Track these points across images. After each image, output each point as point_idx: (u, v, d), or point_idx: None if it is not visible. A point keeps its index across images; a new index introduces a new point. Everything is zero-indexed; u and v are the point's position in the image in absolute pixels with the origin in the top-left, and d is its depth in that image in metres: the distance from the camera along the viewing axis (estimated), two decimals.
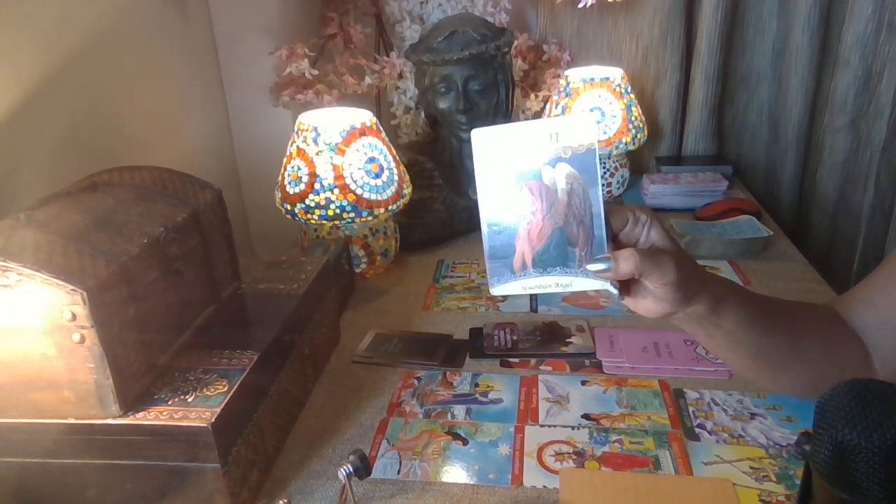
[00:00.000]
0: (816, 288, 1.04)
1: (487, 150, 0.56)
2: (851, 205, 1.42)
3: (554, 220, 0.56)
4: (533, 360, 0.88)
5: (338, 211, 0.99)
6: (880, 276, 0.70)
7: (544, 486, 0.67)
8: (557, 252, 0.57)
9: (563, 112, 1.31)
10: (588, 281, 0.57)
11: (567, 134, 0.55)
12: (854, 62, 1.33)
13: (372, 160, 1.01)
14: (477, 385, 0.83)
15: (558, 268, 0.57)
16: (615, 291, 0.58)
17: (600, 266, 0.56)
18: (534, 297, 1.03)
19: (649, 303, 0.59)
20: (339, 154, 0.99)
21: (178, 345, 0.68)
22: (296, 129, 1.03)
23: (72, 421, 0.59)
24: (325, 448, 0.74)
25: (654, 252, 0.57)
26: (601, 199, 0.55)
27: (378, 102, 1.44)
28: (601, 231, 0.56)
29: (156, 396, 0.62)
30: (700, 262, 1.18)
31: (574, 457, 0.71)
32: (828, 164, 1.43)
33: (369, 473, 0.61)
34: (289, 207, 1.03)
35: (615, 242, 0.58)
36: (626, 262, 0.55)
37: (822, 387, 0.63)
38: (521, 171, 0.56)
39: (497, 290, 0.57)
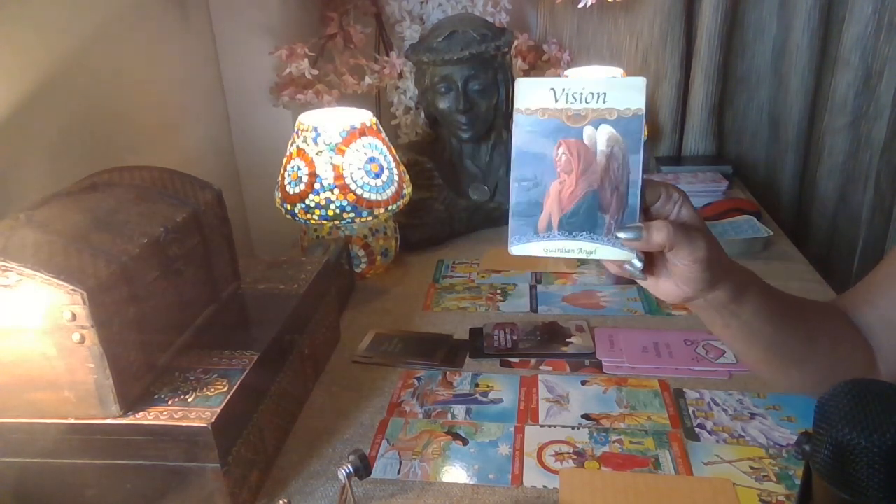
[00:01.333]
0: (816, 288, 1.04)
1: (529, 100, 0.53)
2: (851, 205, 1.42)
3: (588, 183, 0.54)
4: (533, 360, 0.88)
5: (338, 211, 0.99)
6: (878, 276, 0.71)
7: (544, 486, 0.67)
8: (587, 216, 0.54)
9: None
10: (614, 250, 0.55)
11: (615, 95, 0.53)
12: (854, 62, 1.33)
13: (372, 160, 1.01)
14: (477, 385, 0.83)
15: (585, 233, 0.54)
16: (639, 265, 0.56)
17: (631, 234, 0.54)
18: (534, 297, 1.03)
19: (671, 285, 0.58)
20: (339, 154, 0.99)
21: (178, 345, 0.68)
22: (296, 129, 1.03)
23: (72, 421, 0.59)
24: (325, 448, 0.74)
25: (686, 226, 0.55)
26: (640, 167, 0.53)
27: (378, 102, 1.44)
28: (636, 200, 0.54)
29: (156, 396, 0.62)
30: None
31: (574, 457, 0.71)
32: (828, 164, 1.43)
33: (369, 473, 0.61)
34: (289, 207, 1.03)
35: (646, 215, 0.56)
36: (659, 232, 0.54)
37: (828, 384, 0.64)
38: (562, 126, 0.53)
39: (517, 250, 0.54)
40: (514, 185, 0.53)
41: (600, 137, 0.53)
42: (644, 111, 0.53)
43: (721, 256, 0.58)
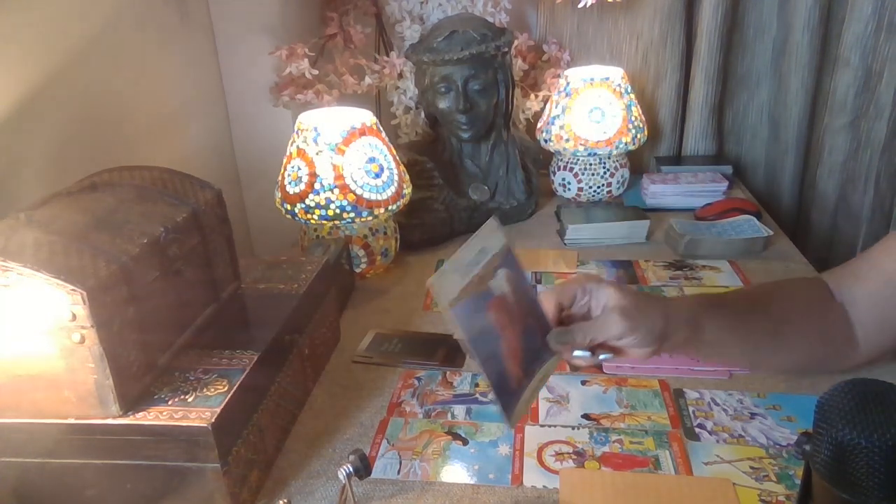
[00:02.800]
0: None
1: (449, 292, 0.55)
2: (851, 205, 1.42)
3: (519, 325, 0.59)
4: None
5: (338, 211, 0.99)
6: (875, 252, 0.74)
7: (544, 486, 0.67)
8: (530, 350, 0.60)
9: (563, 112, 1.31)
10: (560, 358, 0.62)
11: (488, 244, 0.58)
12: (854, 62, 1.33)
13: (372, 160, 1.01)
14: (477, 385, 0.83)
15: (535, 364, 0.60)
16: (587, 353, 0.62)
17: (558, 340, 0.62)
18: None
19: (632, 352, 0.64)
20: (339, 154, 0.99)
21: (178, 345, 0.68)
22: (296, 129, 1.03)
23: (72, 421, 0.59)
24: (325, 448, 0.74)
25: (594, 319, 0.62)
26: (530, 282, 0.61)
27: (378, 102, 1.44)
28: (543, 314, 0.61)
29: (156, 396, 0.62)
30: (700, 262, 1.18)
31: (574, 457, 0.71)
32: (828, 164, 1.43)
33: (369, 473, 0.61)
34: (289, 207, 1.03)
35: (570, 318, 0.64)
36: (577, 333, 0.61)
37: (810, 360, 0.73)
38: (483, 293, 0.57)
39: (515, 421, 0.59)
40: (483, 368, 0.56)
41: (501, 282, 0.59)
42: (507, 241, 0.60)
43: (651, 312, 0.63)
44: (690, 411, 0.77)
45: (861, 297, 0.72)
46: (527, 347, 0.60)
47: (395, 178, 1.05)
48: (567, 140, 1.31)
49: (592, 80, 1.29)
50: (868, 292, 0.72)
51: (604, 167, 1.34)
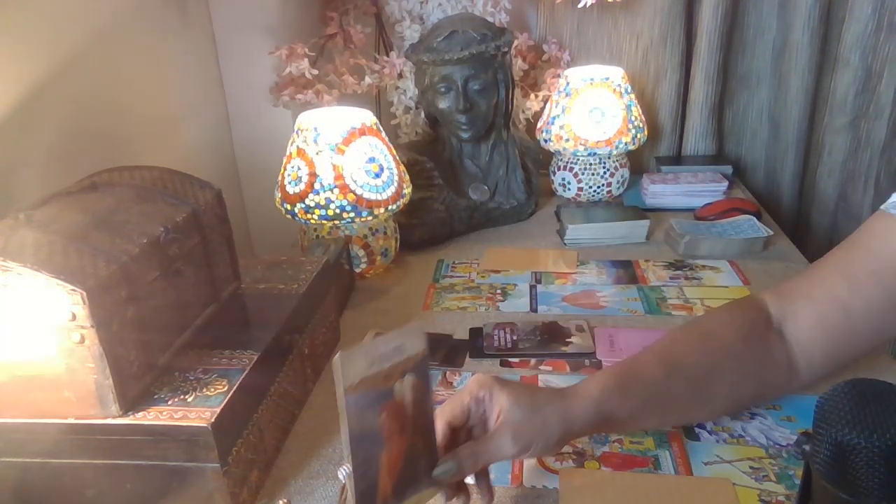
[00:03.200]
0: None
1: (351, 375, 0.51)
2: (851, 205, 1.42)
3: (406, 438, 0.55)
4: (533, 360, 0.88)
5: (338, 211, 0.99)
6: (824, 269, 0.70)
7: (544, 486, 0.67)
8: (409, 471, 0.56)
9: (563, 112, 1.31)
10: (439, 487, 0.58)
11: (407, 344, 0.55)
12: (854, 62, 1.33)
13: (372, 160, 1.01)
14: None
15: (410, 489, 0.57)
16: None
17: (445, 473, 0.57)
18: (534, 297, 1.03)
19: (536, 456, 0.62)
20: (339, 154, 0.99)
21: (178, 345, 0.68)
22: (296, 129, 1.03)
23: (72, 421, 0.59)
24: (325, 448, 0.74)
25: (485, 439, 0.58)
26: (433, 408, 0.57)
27: (378, 102, 1.44)
28: (435, 437, 0.58)
29: (156, 396, 0.62)
30: (700, 262, 1.18)
31: (574, 457, 0.71)
32: (828, 164, 1.43)
33: None
34: (289, 207, 1.03)
35: (469, 434, 0.61)
36: (466, 461, 0.57)
37: (744, 400, 0.71)
38: (382, 392, 0.53)
39: None
40: (354, 472, 0.52)
41: (406, 389, 0.55)
42: (427, 351, 0.56)
43: (548, 416, 0.60)
44: None
45: (807, 318, 0.68)
46: (407, 467, 0.56)
47: (395, 178, 1.05)
48: (567, 140, 1.31)
49: (592, 80, 1.29)
50: (817, 313, 0.68)
51: (604, 167, 1.34)
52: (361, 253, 1.07)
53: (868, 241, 0.68)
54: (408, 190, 1.08)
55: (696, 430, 0.74)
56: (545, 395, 0.62)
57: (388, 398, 0.53)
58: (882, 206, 0.68)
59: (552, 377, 0.84)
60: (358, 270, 1.08)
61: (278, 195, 1.05)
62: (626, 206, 1.32)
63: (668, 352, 0.68)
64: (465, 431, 0.62)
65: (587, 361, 0.87)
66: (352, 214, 1.00)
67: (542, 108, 1.41)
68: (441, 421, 0.60)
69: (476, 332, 0.94)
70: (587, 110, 1.29)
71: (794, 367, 0.69)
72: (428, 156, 1.25)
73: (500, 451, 0.58)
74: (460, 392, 0.61)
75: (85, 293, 0.54)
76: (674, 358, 0.68)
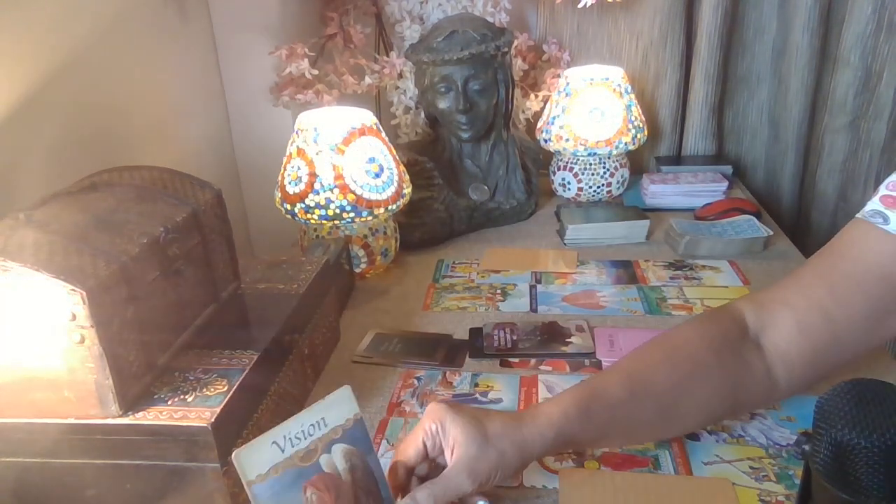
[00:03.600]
0: None
1: (257, 467, 0.51)
2: (851, 205, 1.42)
3: None
4: (533, 360, 0.88)
5: (338, 211, 0.99)
6: (803, 277, 0.69)
7: (544, 486, 0.67)
8: None
9: (563, 112, 1.31)
10: None
11: (332, 414, 0.55)
12: (854, 62, 1.33)
13: (372, 160, 1.02)
14: (477, 385, 0.83)
15: None
16: None
17: None
18: (534, 297, 1.03)
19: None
20: (339, 154, 0.99)
21: (178, 345, 0.68)
22: (296, 129, 1.03)
23: (72, 421, 0.59)
24: None
25: (442, 479, 0.58)
26: (378, 461, 0.57)
27: (378, 102, 1.44)
28: (387, 490, 0.57)
29: (156, 396, 0.62)
30: (700, 262, 1.18)
31: (574, 456, 0.71)
32: (828, 164, 1.43)
33: None
34: (289, 207, 1.03)
35: (434, 467, 0.61)
36: (425, 501, 0.56)
37: (718, 415, 0.69)
38: (301, 471, 0.53)
39: None
40: None
41: (337, 458, 0.55)
42: (360, 413, 0.56)
43: (508, 454, 0.59)
44: None
45: (787, 327, 0.66)
46: None
47: (395, 178, 1.05)
48: (567, 140, 1.31)
49: (592, 80, 1.29)
50: (797, 322, 0.66)
51: (604, 167, 1.34)
52: (361, 253, 1.07)
53: (847, 249, 0.66)
54: (408, 190, 1.08)
55: None
56: (499, 425, 0.60)
57: (311, 474, 0.53)
58: (858, 214, 0.67)
59: (552, 377, 0.84)
60: (358, 270, 1.08)
61: (278, 195, 1.05)
62: (626, 206, 1.32)
63: (633, 369, 0.66)
64: (430, 463, 0.62)
65: (587, 361, 0.87)
66: (352, 214, 1.00)
67: (542, 108, 1.41)
68: (400, 466, 0.60)
69: (476, 332, 0.94)
70: (587, 110, 1.29)
71: (774, 379, 0.67)
72: (428, 156, 1.25)
73: (457, 488, 0.58)
74: (414, 430, 0.61)
75: (85, 293, 0.54)
76: (639, 375, 0.66)
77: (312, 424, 0.54)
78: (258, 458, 0.51)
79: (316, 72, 1.19)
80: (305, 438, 0.53)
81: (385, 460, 0.71)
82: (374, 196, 1.01)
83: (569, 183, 1.36)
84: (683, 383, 0.65)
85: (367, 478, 0.56)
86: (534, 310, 1.00)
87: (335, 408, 0.55)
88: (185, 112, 1.16)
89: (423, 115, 1.32)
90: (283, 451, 0.52)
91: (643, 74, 1.49)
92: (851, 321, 0.65)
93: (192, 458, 0.59)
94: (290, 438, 0.53)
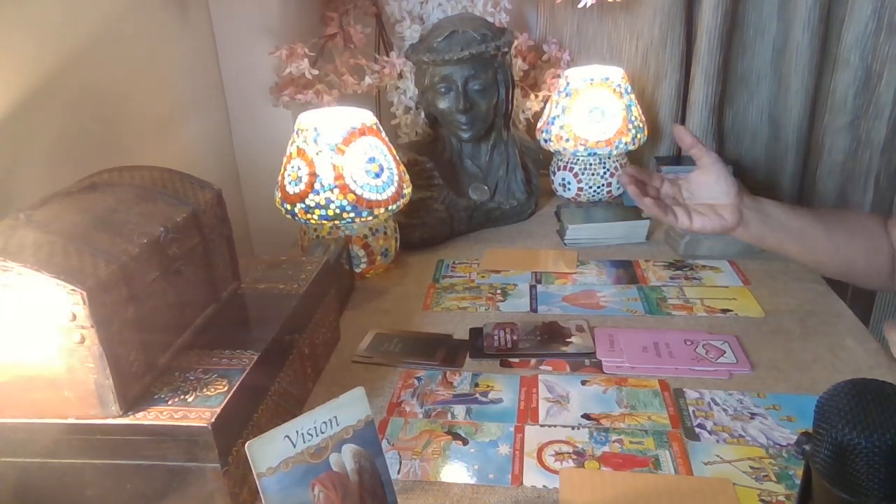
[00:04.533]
0: (816, 288, 1.04)
1: (268, 459, 0.52)
2: (851, 204, 1.42)
3: None
4: (533, 360, 0.88)
5: (338, 211, 0.99)
6: None
7: (544, 486, 0.67)
8: None
9: (563, 112, 1.31)
10: None
11: (345, 414, 0.55)
12: (854, 62, 1.33)
13: (372, 160, 1.02)
14: (477, 385, 0.83)
15: None
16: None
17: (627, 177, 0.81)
18: (534, 297, 1.03)
19: (715, 219, 0.80)
20: (339, 154, 0.99)
21: (178, 345, 0.68)
22: (296, 129, 1.03)
23: (72, 421, 0.59)
24: None
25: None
26: (387, 465, 0.57)
27: (378, 102, 1.44)
28: (393, 496, 0.57)
29: (156, 396, 0.62)
30: (700, 262, 1.18)
31: (574, 457, 0.71)
32: (828, 164, 1.43)
33: None
34: (289, 207, 1.03)
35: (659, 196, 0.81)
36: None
37: (853, 269, 0.87)
38: (310, 467, 0.53)
39: None
40: None
41: (346, 458, 0.55)
42: (372, 416, 0.57)
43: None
44: (690, 411, 0.77)
45: None
46: None
47: (395, 178, 1.05)
48: (567, 140, 1.31)
49: (592, 80, 1.29)
50: None
51: (604, 167, 1.34)
52: (361, 253, 1.07)
53: None
54: (408, 190, 1.08)
55: (697, 430, 0.74)
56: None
57: (320, 471, 0.53)
58: None
59: (552, 377, 0.84)
60: (358, 270, 1.08)
61: (278, 195, 1.05)
62: (626, 206, 1.32)
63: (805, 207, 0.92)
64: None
65: (587, 361, 0.87)
66: (352, 214, 1.00)
67: (542, 108, 1.41)
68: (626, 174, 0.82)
69: (476, 332, 0.94)
70: (587, 110, 1.29)
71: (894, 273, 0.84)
72: (428, 156, 1.25)
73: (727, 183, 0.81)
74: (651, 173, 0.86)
75: (85, 293, 0.54)
76: (813, 209, 0.91)
77: (325, 422, 0.54)
78: (270, 450, 0.52)
79: (316, 72, 1.19)
80: (317, 435, 0.54)
81: (386, 459, 0.71)
82: (374, 196, 1.01)
83: (569, 183, 1.36)
84: (843, 228, 0.85)
85: (373, 481, 0.57)
86: (534, 310, 1.00)
87: (348, 408, 0.56)
88: (186, 112, 1.16)
89: (423, 115, 1.32)
90: (294, 445, 0.53)
91: (643, 74, 1.49)
92: None
93: (192, 458, 0.59)
94: (302, 434, 0.53)
